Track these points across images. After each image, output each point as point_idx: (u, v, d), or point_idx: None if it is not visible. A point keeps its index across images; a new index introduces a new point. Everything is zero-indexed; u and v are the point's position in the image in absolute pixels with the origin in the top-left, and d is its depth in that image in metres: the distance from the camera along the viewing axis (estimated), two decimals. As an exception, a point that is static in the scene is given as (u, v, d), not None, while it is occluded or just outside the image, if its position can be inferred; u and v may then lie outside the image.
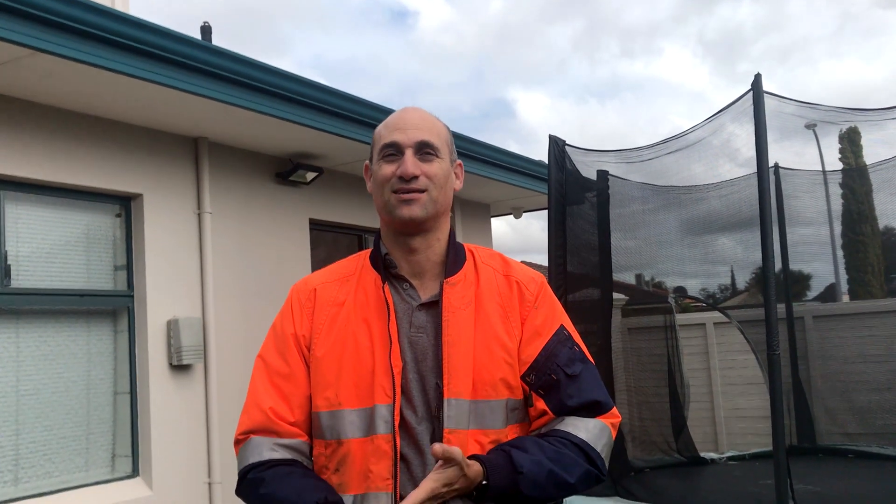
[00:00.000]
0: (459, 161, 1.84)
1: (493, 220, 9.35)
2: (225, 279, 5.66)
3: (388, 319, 1.66)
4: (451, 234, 1.80)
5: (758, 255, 5.11)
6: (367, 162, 1.82)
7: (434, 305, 1.70)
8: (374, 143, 1.77)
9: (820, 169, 7.61)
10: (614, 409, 1.74)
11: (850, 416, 7.27)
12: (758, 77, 5.00)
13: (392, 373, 1.62)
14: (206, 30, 6.06)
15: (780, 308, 7.15)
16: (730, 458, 7.04)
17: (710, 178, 6.39)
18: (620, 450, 5.99)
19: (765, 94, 4.97)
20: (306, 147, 6.05)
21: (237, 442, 1.73)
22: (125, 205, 5.24)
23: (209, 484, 5.33)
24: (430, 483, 1.48)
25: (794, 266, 7.61)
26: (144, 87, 4.56)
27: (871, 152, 7.21)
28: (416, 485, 1.58)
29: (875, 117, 6.15)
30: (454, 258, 1.75)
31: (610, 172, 6.39)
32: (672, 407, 6.93)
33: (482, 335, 1.67)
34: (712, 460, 6.97)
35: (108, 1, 5.85)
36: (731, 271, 7.30)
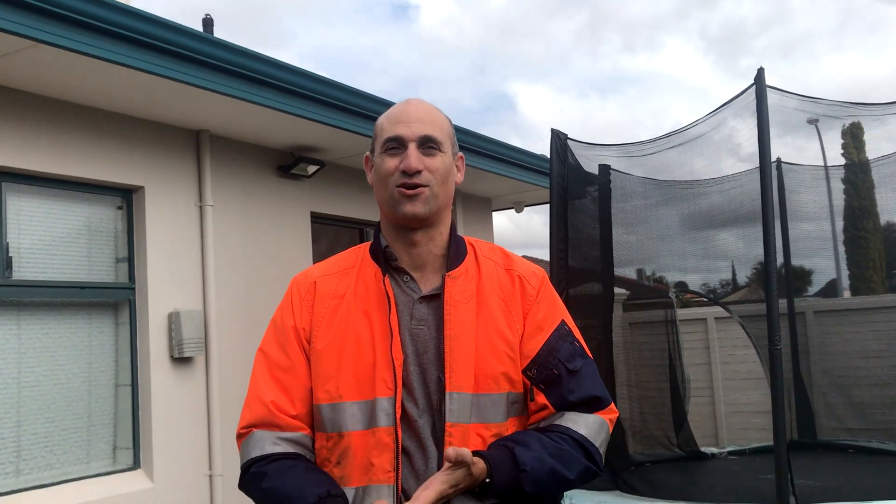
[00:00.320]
0: (461, 154, 1.84)
1: (494, 214, 9.34)
2: (226, 272, 5.66)
3: (389, 312, 1.66)
4: (453, 228, 1.80)
5: (759, 250, 5.11)
6: (368, 153, 1.81)
7: (435, 298, 1.70)
8: (376, 135, 1.76)
9: (822, 164, 7.59)
10: (612, 405, 1.76)
11: (851, 412, 7.26)
12: (761, 71, 4.98)
13: (393, 365, 1.62)
14: (207, 22, 6.05)
15: (782, 303, 7.13)
16: (730, 453, 7.04)
17: (712, 172, 6.38)
18: (621, 444, 5.99)
19: (767, 89, 4.96)
20: (308, 140, 6.05)
21: (239, 436, 1.72)
22: (127, 197, 5.24)
23: (210, 476, 5.34)
24: (439, 485, 1.48)
25: (795, 261, 7.59)
26: (146, 80, 4.55)
27: (874, 147, 7.19)
28: (417, 477, 1.59)
29: (878, 112, 6.13)
30: (455, 251, 1.75)
31: (612, 167, 6.38)
32: (672, 402, 6.93)
33: (484, 329, 1.67)
34: (713, 455, 6.97)
35: (110, -7, 5.84)
36: (733, 266, 7.28)
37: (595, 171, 6.35)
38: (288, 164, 6.22)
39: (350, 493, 1.61)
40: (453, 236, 1.77)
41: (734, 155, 6.05)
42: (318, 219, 6.70)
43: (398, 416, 1.60)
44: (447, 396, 1.61)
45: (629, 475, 5.93)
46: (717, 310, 8.43)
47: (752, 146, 5.09)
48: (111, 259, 5.19)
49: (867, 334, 7.44)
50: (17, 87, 4.53)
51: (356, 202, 6.95)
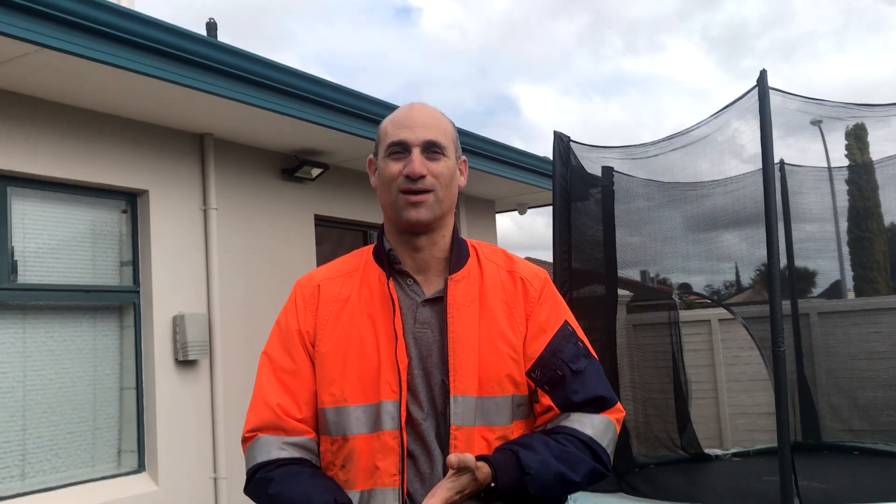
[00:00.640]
0: (464, 157, 1.84)
1: (497, 216, 9.35)
2: (230, 275, 5.67)
3: (394, 315, 1.67)
4: (455, 231, 1.80)
5: (763, 252, 5.10)
6: (371, 156, 1.81)
7: (438, 301, 1.70)
8: (380, 138, 1.76)
9: (825, 165, 7.59)
10: (619, 405, 1.76)
11: (856, 413, 7.25)
12: (763, 73, 4.98)
13: (398, 369, 1.62)
14: (211, 26, 6.07)
15: (785, 305, 7.13)
16: (734, 455, 7.03)
17: (715, 174, 6.38)
18: (625, 446, 5.99)
19: (770, 91, 4.96)
20: (312, 143, 6.06)
21: (245, 440, 1.72)
22: (131, 201, 5.26)
23: (215, 479, 5.35)
24: (444, 492, 1.48)
25: (799, 263, 7.58)
26: (150, 84, 4.57)
27: (878, 148, 7.18)
28: (422, 480, 1.60)
29: (881, 113, 6.12)
30: (458, 254, 1.75)
31: (615, 169, 6.38)
32: (676, 403, 6.92)
33: (487, 331, 1.68)
34: (717, 457, 6.95)
35: (114, -3, 5.86)
36: (736, 268, 7.28)
37: (598, 173, 6.35)
38: (292, 167, 6.23)
39: (355, 496, 1.61)
40: (455, 239, 1.78)
41: (737, 156, 6.05)
42: (321, 222, 6.71)
43: (403, 419, 1.61)
44: (451, 399, 1.61)
45: (633, 477, 5.93)
46: (721, 311, 8.42)
47: (756, 148, 5.09)
48: (116, 262, 5.21)
49: (871, 335, 7.43)
50: (22, 91, 4.55)
51: (360, 205, 6.96)
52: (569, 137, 6.06)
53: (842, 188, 7.65)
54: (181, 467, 5.16)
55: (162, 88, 4.66)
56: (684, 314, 8.19)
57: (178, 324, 5.20)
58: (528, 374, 1.69)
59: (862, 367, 7.34)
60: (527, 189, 8.40)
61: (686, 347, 7.70)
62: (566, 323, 1.76)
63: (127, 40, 4.27)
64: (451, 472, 1.50)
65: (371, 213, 6.99)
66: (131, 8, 4.80)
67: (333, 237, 7.02)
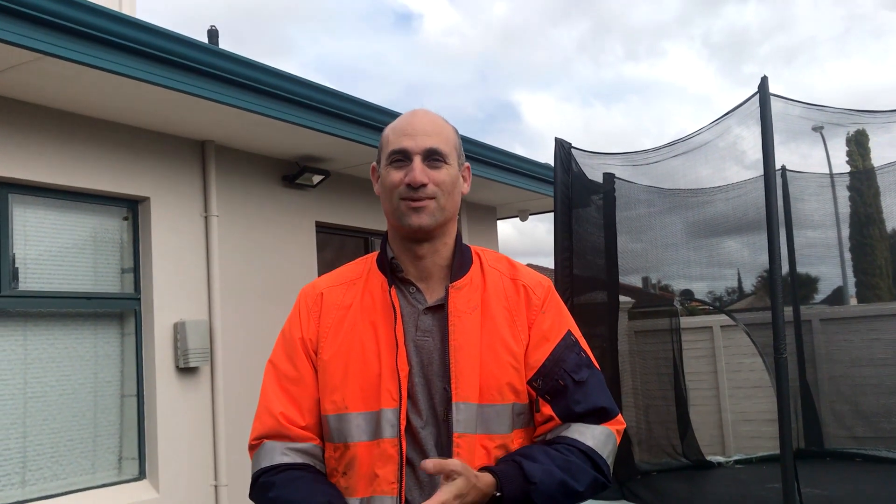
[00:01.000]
0: (467, 164, 1.83)
1: (499, 222, 9.35)
2: (231, 282, 5.67)
3: (395, 323, 1.67)
4: (458, 238, 1.79)
5: (764, 258, 5.10)
6: (375, 164, 1.81)
7: (440, 309, 1.70)
8: (382, 146, 1.76)
9: (827, 171, 7.59)
10: (619, 416, 1.75)
11: (858, 420, 7.23)
12: (764, 80, 4.99)
13: (399, 377, 1.62)
14: (212, 33, 6.07)
15: (788, 311, 7.12)
16: (737, 462, 7.01)
17: (717, 180, 6.38)
18: (627, 453, 5.98)
19: (771, 97, 4.96)
20: (313, 150, 6.07)
21: (251, 447, 1.74)
22: (132, 208, 5.26)
23: (216, 486, 5.34)
24: (442, 496, 1.45)
25: (801, 269, 7.58)
26: (152, 91, 4.57)
27: (879, 154, 7.18)
28: (421, 488, 1.60)
29: (882, 119, 6.12)
30: (460, 262, 1.75)
31: (616, 175, 6.39)
32: (677, 410, 6.91)
33: (488, 339, 1.67)
34: (719, 463, 6.94)
35: (115, 4, 5.88)
36: (738, 274, 7.27)
37: (599, 179, 6.36)
38: (293, 174, 6.23)
39: (355, 503, 1.62)
40: (458, 246, 1.77)
41: (739, 163, 6.05)
42: (323, 228, 6.71)
43: (403, 427, 1.61)
44: (454, 407, 1.60)
45: (635, 484, 5.92)
46: (723, 318, 8.42)
47: (757, 153, 5.09)
48: (117, 269, 5.21)
49: (874, 342, 7.42)
50: (24, 98, 4.56)
51: (361, 212, 6.96)
52: (570, 144, 6.07)
53: (843, 194, 7.65)
54: (182, 475, 5.15)
55: (163, 95, 4.66)
56: (686, 321, 8.19)
57: (179, 331, 5.19)
58: (529, 383, 1.68)
59: (864, 373, 7.32)
60: (528, 195, 8.40)
61: (688, 354, 7.70)
62: (569, 332, 1.75)
63: (128, 48, 4.27)
64: (442, 476, 1.49)
65: (372, 220, 6.99)
66: (133, 15, 4.82)
67: (335, 244, 7.02)
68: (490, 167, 7.28)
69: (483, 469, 1.54)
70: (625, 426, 1.77)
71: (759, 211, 5.20)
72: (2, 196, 4.54)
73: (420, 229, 1.69)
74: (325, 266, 6.45)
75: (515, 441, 1.66)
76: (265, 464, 1.67)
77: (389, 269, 1.74)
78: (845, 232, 7.75)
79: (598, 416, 1.69)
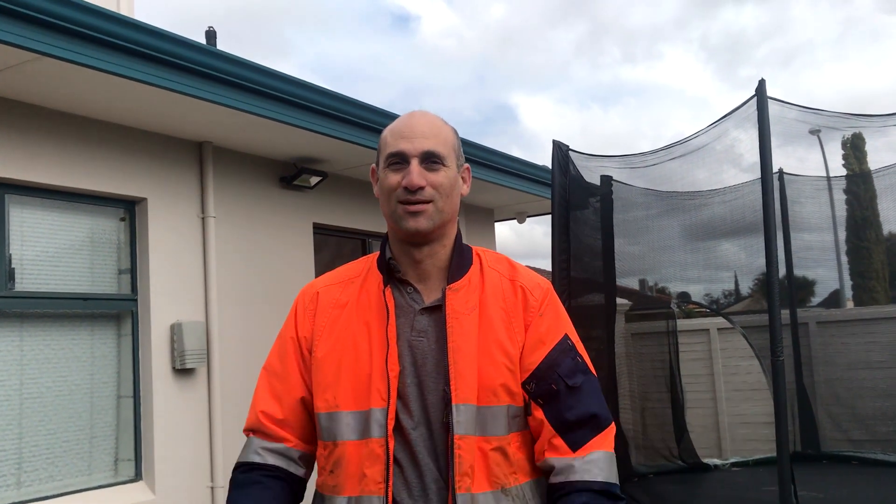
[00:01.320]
0: (467, 165, 1.82)
1: (496, 224, 9.35)
2: (228, 283, 5.66)
3: (388, 323, 1.66)
4: (458, 238, 1.79)
5: (761, 261, 5.10)
6: (374, 165, 1.81)
7: (437, 310, 1.69)
8: (381, 148, 1.76)
9: (824, 175, 7.60)
10: (612, 425, 1.73)
11: (855, 423, 7.24)
12: (762, 83, 4.99)
13: (388, 377, 1.62)
14: (210, 34, 6.07)
15: (784, 314, 7.13)
16: (733, 465, 7.02)
17: (714, 183, 6.39)
18: (624, 455, 5.98)
19: (768, 100, 4.97)
20: (310, 151, 6.06)
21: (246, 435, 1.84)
22: (129, 209, 5.25)
23: (212, 488, 5.33)
24: None
25: (797, 272, 7.59)
26: (149, 92, 4.57)
27: (875, 158, 7.20)
28: (409, 490, 1.60)
29: (879, 123, 6.14)
30: (458, 263, 1.74)
31: (613, 178, 6.39)
32: (673, 413, 6.92)
33: (485, 340, 1.66)
34: (716, 466, 6.94)
35: (114, 4, 5.87)
36: (735, 277, 7.28)
37: (597, 182, 6.36)
38: (290, 175, 6.23)
39: (343, 501, 1.63)
40: (457, 247, 1.77)
41: (736, 166, 6.06)
42: (320, 230, 6.71)
43: (390, 428, 1.61)
44: (454, 409, 1.60)
45: (632, 486, 5.92)
46: (720, 320, 8.42)
47: (754, 157, 5.09)
48: (114, 270, 5.20)
49: (870, 345, 7.43)
50: (21, 99, 4.55)
51: (359, 213, 6.96)
52: (567, 146, 6.07)
53: (840, 198, 7.67)
54: (178, 476, 5.14)
55: (161, 96, 4.66)
56: (683, 323, 8.19)
57: (175, 332, 5.19)
58: (523, 385, 1.67)
59: (861, 376, 7.34)
60: (526, 198, 8.40)
61: (685, 357, 7.71)
62: (566, 336, 1.74)
63: (126, 48, 4.27)
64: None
65: (370, 222, 6.98)
66: (131, 16, 4.81)
67: (332, 245, 7.01)
68: (488, 169, 7.28)
69: None
70: (615, 431, 1.75)
71: (756, 214, 5.21)
72: (-2, 196, 4.54)
73: (417, 233, 1.68)
74: (322, 267, 6.44)
75: (512, 444, 1.65)
76: (241, 458, 1.78)
77: (387, 269, 1.74)
78: (842, 235, 7.77)
79: (591, 423, 1.68)
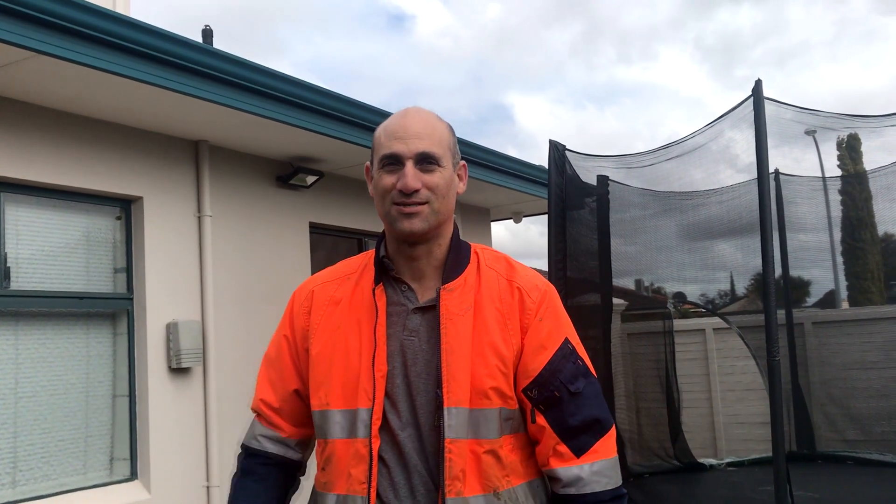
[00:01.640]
0: (463, 162, 1.79)
1: (492, 224, 9.35)
2: (225, 282, 5.65)
3: (376, 322, 1.65)
4: (454, 236, 1.76)
5: (757, 261, 5.11)
6: (368, 164, 1.79)
7: (430, 309, 1.67)
8: (375, 148, 1.73)
9: (819, 175, 7.61)
10: (613, 428, 1.73)
11: (850, 423, 7.26)
12: (758, 83, 5.00)
13: (374, 377, 1.62)
14: (207, 33, 6.06)
15: (780, 314, 7.14)
16: (729, 464, 7.03)
17: (710, 183, 6.40)
18: (620, 455, 5.98)
19: (765, 100, 4.97)
20: (307, 150, 6.06)
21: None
22: (125, 207, 5.24)
23: (207, 487, 5.32)
24: None
25: (793, 272, 7.60)
26: (145, 90, 4.56)
27: (871, 159, 7.22)
28: (395, 490, 1.60)
29: (874, 124, 6.15)
30: (454, 263, 1.71)
31: (610, 178, 6.40)
32: (668, 413, 6.93)
33: (478, 342, 1.64)
34: (712, 466, 6.95)
35: (110, 3, 5.86)
36: (731, 277, 7.29)
37: (593, 181, 6.37)
38: (287, 174, 6.22)
39: (333, 498, 1.64)
40: (454, 246, 1.74)
41: (732, 166, 6.07)
42: (316, 229, 6.70)
43: (374, 428, 1.60)
44: (445, 412, 1.58)
45: (628, 486, 5.92)
46: (716, 320, 8.43)
47: (750, 157, 5.10)
48: (109, 269, 5.19)
49: (865, 345, 7.45)
50: (17, 97, 4.54)
51: (355, 212, 6.95)
52: (564, 146, 6.08)
53: (835, 198, 7.69)
54: (174, 475, 5.13)
55: (157, 95, 4.65)
56: (679, 323, 8.21)
57: (171, 331, 5.18)
58: (524, 391, 1.65)
59: (856, 376, 7.35)
60: (522, 198, 8.40)
61: (681, 357, 7.72)
62: (567, 340, 1.71)
63: (122, 46, 4.26)
64: None
65: (366, 221, 6.98)
66: (127, 15, 4.80)
67: (328, 245, 7.00)
68: (484, 169, 7.28)
69: None
70: (615, 434, 1.75)
71: (752, 214, 5.22)
72: (-6, 195, 4.52)
73: (412, 234, 1.66)
74: (318, 267, 6.43)
75: (504, 447, 1.63)
76: (244, 439, 1.88)
77: (380, 267, 1.73)
78: (837, 236, 7.79)
79: (594, 428, 1.67)
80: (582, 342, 1.78)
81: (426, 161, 1.65)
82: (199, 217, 5.55)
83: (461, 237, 1.80)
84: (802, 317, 7.77)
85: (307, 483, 1.86)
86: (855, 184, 7.87)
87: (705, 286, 7.26)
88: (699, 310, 8.69)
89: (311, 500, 1.75)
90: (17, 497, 4.44)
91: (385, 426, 1.61)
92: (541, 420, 1.65)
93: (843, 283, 8.43)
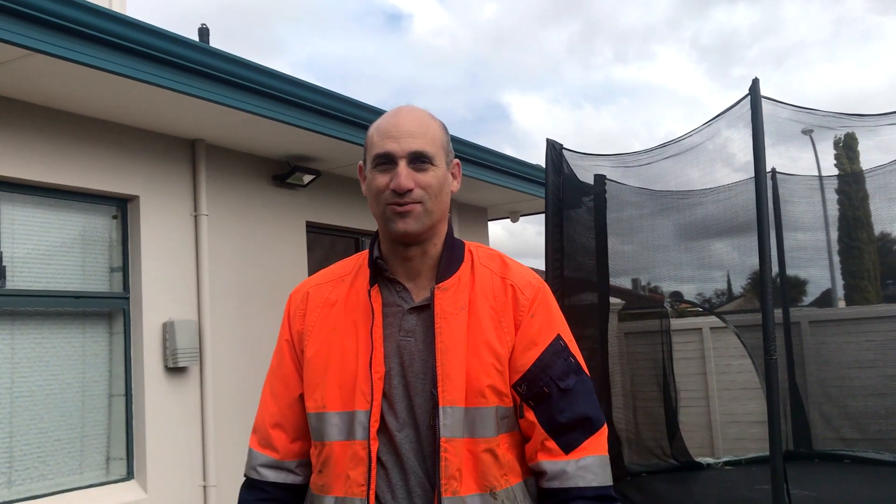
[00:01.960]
0: (457, 160, 1.79)
1: (489, 223, 9.35)
2: (221, 281, 5.65)
3: (372, 323, 1.65)
4: (448, 235, 1.75)
5: (754, 260, 5.11)
6: (361, 163, 1.78)
7: (425, 309, 1.67)
8: (367, 147, 1.72)
9: (816, 174, 7.62)
10: (604, 426, 1.71)
11: (847, 422, 7.27)
12: (755, 82, 5.00)
13: (371, 379, 1.61)
14: (203, 31, 6.05)
15: (777, 313, 7.15)
16: (726, 463, 7.04)
17: (707, 183, 6.40)
18: (617, 454, 5.98)
19: (762, 99, 4.97)
20: (303, 149, 6.05)
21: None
22: (122, 206, 5.23)
23: (204, 487, 5.31)
24: None
25: (790, 271, 7.61)
26: (142, 89, 4.55)
27: (867, 158, 7.23)
28: (393, 492, 1.59)
29: (871, 123, 6.16)
30: (448, 262, 1.71)
31: (607, 177, 6.40)
32: (665, 412, 6.93)
33: (473, 340, 1.63)
34: (709, 465, 6.96)
35: (106, 1, 5.84)
36: (728, 276, 7.29)
37: (590, 180, 6.37)
38: (283, 173, 6.22)
39: (331, 501, 1.63)
40: (447, 245, 1.73)
41: (728, 165, 6.07)
42: (313, 228, 6.69)
43: (372, 430, 1.59)
44: (441, 411, 1.57)
45: (625, 485, 5.92)
46: (713, 320, 8.44)
47: (746, 156, 5.11)
48: (106, 268, 5.18)
49: (862, 344, 7.46)
50: (12, 96, 4.52)
51: (352, 211, 6.95)
52: (561, 145, 6.07)
53: (832, 197, 7.69)
54: (170, 475, 5.12)
55: (153, 93, 4.64)
56: (676, 322, 8.21)
57: (168, 330, 5.17)
58: (514, 387, 1.65)
59: (852, 375, 7.36)
60: (519, 197, 8.40)
61: (678, 356, 7.72)
62: (558, 337, 1.70)
63: (118, 45, 4.25)
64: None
65: (363, 220, 6.97)
66: (123, 13, 4.79)
67: (325, 244, 7.00)
68: (482, 168, 7.28)
69: None
70: (607, 433, 1.73)
71: (749, 213, 5.22)
72: (-11, 194, 4.51)
73: (407, 235, 1.65)
74: (315, 266, 6.43)
75: (501, 445, 1.63)
76: (245, 470, 1.82)
77: (374, 268, 1.72)
78: (834, 235, 7.79)
79: (583, 426, 1.65)
80: (578, 341, 1.78)
81: (419, 160, 1.65)
82: (195, 216, 5.54)
83: (458, 236, 1.80)
84: (799, 316, 7.78)
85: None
86: (852, 183, 7.87)
87: (702, 285, 7.27)
88: (696, 309, 8.70)
89: (307, 503, 1.74)
90: (12, 497, 4.43)
91: (383, 428, 1.60)
92: (529, 415, 1.65)
93: (839, 282, 8.44)
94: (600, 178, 6.38)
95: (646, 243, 6.72)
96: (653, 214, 6.71)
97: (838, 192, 7.83)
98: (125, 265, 5.19)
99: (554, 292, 5.87)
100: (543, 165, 6.16)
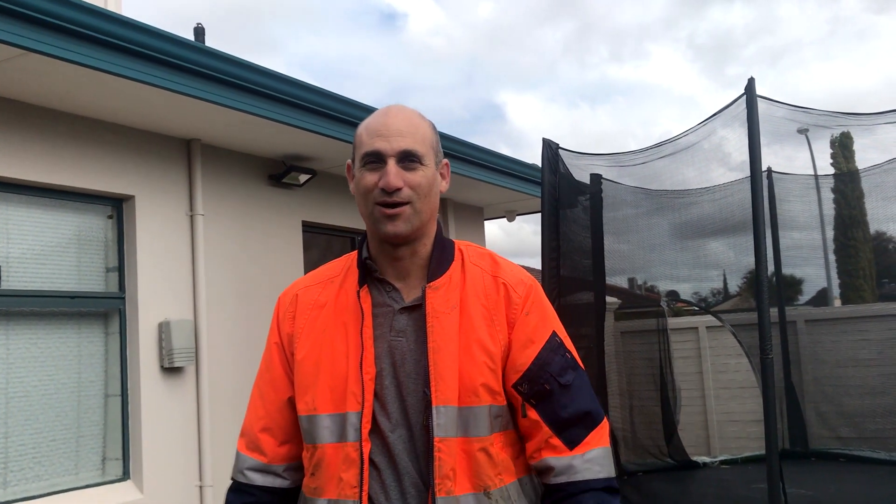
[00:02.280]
0: (446, 160, 1.78)
1: (486, 223, 9.36)
2: (217, 281, 5.64)
3: (362, 324, 1.64)
4: (438, 234, 1.75)
5: (750, 259, 5.12)
6: (350, 161, 1.77)
7: (417, 309, 1.66)
8: (356, 145, 1.72)
9: (812, 173, 7.63)
10: (605, 420, 1.72)
11: (843, 421, 7.28)
12: (751, 81, 5.00)
13: (362, 380, 1.60)
14: (199, 31, 6.05)
15: (773, 312, 7.15)
16: (722, 462, 7.04)
17: (703, 182, 6.40)
18: (613, 453, 5.98)
19: (757, 98, 4.97)
20: (299, 149, 6.04)
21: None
22: (117, 206, 5.22)
23: (200, 487, 5.31)
24: None
25: (786, 270, 7.62)
26: (137, 89, 4.54)
27: (863, 157, 7.23)
28: (386, 493, 1.58)
29: (867, 122, 6.16)
30: (438, 261, 1.70)
31: (603, 176, 6.40)
32: (662, 411, 6.94)
33: (465, 339, 1.63)
34: (705, 464, 6.96)
35: (101, 1, 5.83)
36: (724, 275, 7.30)
37: (586, 180, 6.37)
38: (279, 173, 6.21)
39: (323, 503, 1.62)
40: (437, 244, 1.73)
41: (724, 164, 6.07)
42: (309, 228, 6.69)
43: (364, 432, 1.59)
44: (434, 410, 1.57)
45: (621, 484, 5.91)
46: (709, 319, 8.45)
47: (742, 155, 5.11)
48: (101, 268, 5.17)
49: (858, 343, 7.47)
50: (7, 95, 4.51)
51: (347, 211, 6.94)
52: (557, 144, 6.07)
53: (828, 196, 7.70)
54: (166, 475, 5.12)
55: (149, 93, 4.63)
56: (672, 321, 8.21)
57: (163, 330, 5.16)
58: (514, 387, 1.65)
59: (849, 374, 7.37)
60: (515, 196, 8.40)
61: (674, 355, 7.72)
62: (554, 334, 1.71)
63: (114, 44, 4.24)
64: None
65: (359, 220, 6.93)
66: (119, 13, 4.78)
67: (321, 243, 6.99)
68: (478, 167, 7.28)
69: None
70: (608, 425, 1.74)
71: (745, 212, 5.22)
72: (-16, 194, 4.50)
73: (396, 236, 1.65)
74: (311, 265, 6.42)
75: (495, 444, 1.62)
76: (232, 473, 1.81)
77: (363, 269, 1.71)
78: (830, 234, 7.80)
79: (586, 420, 1.67)
80: (575, 341, 1.78)
81: (408, 159, 1.64)
82: (191, 216, 5.53)
83: (455, 236, 1.80)
84: (795, 315, 7.79)
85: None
86: (847, 182, 7.88)
87: (698, 284, 7.27)
88: (692, 308, 8.70)
89: None
90: (8, 497, 4.42)
91: (375, 429, 1.60)
92: (532, 414, 1.65)
93: (835, 281, 8.45)
94: (596, 178, 6.38)
95: (642, 242, 6.72)
96: (649, 214, 6.71)
97: (834, 191, 7.84)
98: (121, 265, 5.18)
99: (550, 292, 5.87)
100: (539, 165, 6.16)
